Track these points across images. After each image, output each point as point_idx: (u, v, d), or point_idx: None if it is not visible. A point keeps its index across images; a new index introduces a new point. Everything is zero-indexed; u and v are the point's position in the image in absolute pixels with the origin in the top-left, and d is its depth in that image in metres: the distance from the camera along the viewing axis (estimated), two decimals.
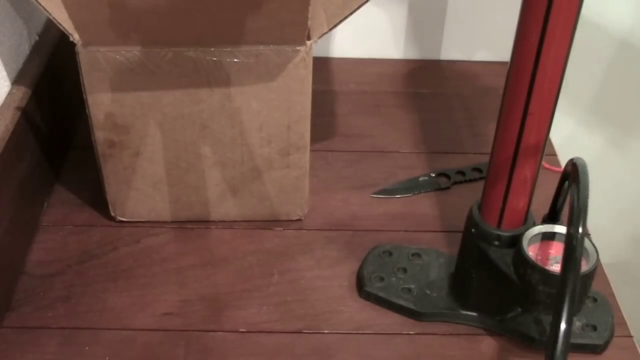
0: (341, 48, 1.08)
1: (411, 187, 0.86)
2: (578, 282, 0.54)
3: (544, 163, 0.65)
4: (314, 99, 0.72)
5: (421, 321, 0.71)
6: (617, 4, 1.03)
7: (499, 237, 0.65)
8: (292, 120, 0.73)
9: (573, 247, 0.54)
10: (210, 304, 0.72)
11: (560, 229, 0.64)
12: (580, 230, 0.53)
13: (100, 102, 0.70)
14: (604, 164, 1.07)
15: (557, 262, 0.62)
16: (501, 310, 0.69)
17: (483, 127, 0.96)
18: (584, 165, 0.57)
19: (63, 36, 0.70)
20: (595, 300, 0.70)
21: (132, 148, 0.73)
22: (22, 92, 0.78)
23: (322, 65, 1.06)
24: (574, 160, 0.58)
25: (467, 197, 0.85)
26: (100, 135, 0.72)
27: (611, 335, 0.68)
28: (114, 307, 0.71)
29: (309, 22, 0.66)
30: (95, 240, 0.78)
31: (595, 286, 0.67)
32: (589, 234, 0.79)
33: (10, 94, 0.77)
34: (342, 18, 0.68)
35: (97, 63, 0.67)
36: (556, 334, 0.51)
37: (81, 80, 0.69)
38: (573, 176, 0.57)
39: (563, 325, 0.52)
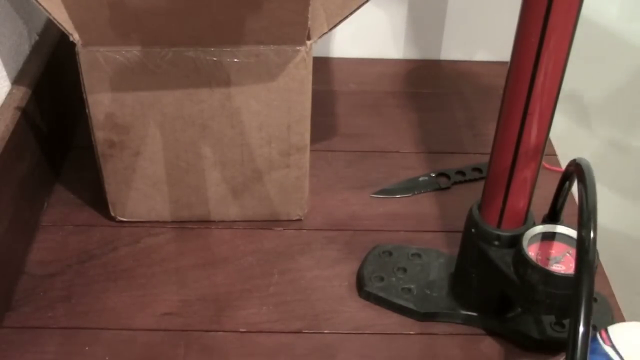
0: (341, 48, 1.08)
1: (411, 187, 0.86)
2: (593, 284, 0.53)
3: (544, 163, 0.65)
4: (314, 99, 0.72)
5: (421, 321, 0.71)
6: (617, 3, 1.03)
7: (499, 237, 0.65)
8: (292, 120, 0.73)
9: (586, 249, 0.53)
10: (210, 304, 0.72)
11: (561, 229, 0.64)
12: (592, 231, 0.53)
13: (100, 102, 0.70)
14: (603, 163, 1.07)
15: (557, 262, 0.62)
16: (501, 310, 0.69)
17: (483, 127, 0.96)
18: (589, 166, 0.57)
19: (63, 36, 0.70)
20: (595, 300, 0.70)
21: (132, 148, 0.73)
22: (22, 92, 0.78)
23: (322, 65, 1.06)
24: (578, 161, 0.58)
25: (467, 197, 0.85)
26: (100, 135, 0.72)
27: None
28: (114, 307, 0.71)
29: (309, 22, 0.66)
30: (95, 240, 0.78)
31: (595, 286, 0.66)
32: None
33: (10, 94, 0.77)
34: (342, 18, 0.68)
35: (97, 63, 0.67)
36: (575, 338, 0.51)
37: (81, 80, 0.69)
38: (579, 177, 0.57)
39: (581, 329, 0.52)
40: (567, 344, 0.51)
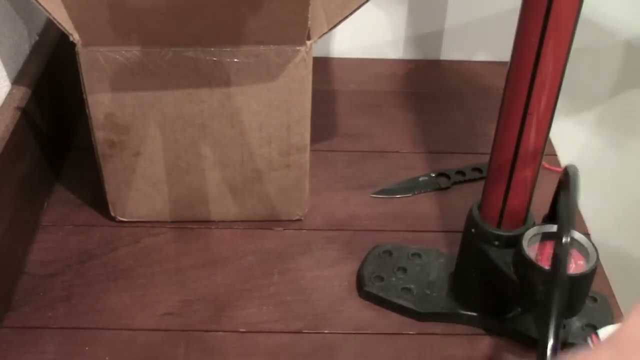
0: (341, 48, 1.08)
1: (411, 187, 0.86)
2: (566, 288, 0.54)
3: (544, 163, 0.65)
4: (314, 99, 0.72)
5: (421, 321, 0.71)
6: (617, 3, 1.03)
7: (499, 237, 0.65)
8: (292, 120, 0.73)
9: (557, 256, 0.55)
10: (210, 304, 0.72)
11: None
12: (564, 239, 0.54)
13: (100, 102, 0.70)
14: (603, 164, 1.07)
15: None
16: (501, 310, 0.69)
17: (483, 127, 0.96)
18: (575, 174, 0.57)
19: (63, 36, 0.70)
20: (595, 300, 0.70)
21: (132, 148, 0.73)
22: (22, 92, 0.78)
23: (322, 65, 1.06)
24: (567, 168, 0.58)
25: (467, 197, 0.85)
26: (100, 135, 0.72)
27: None
28: (114, 307, 0.71)
29: (309, 22, 0.66)
30: (95, 240, 0.78)
31: (595, 286, 0.67)
32: (589, 234, 0.79)
33: (10, 94, 0.77)
34: (342, 18, 0.68)
35: (97, 63, 0.67)
36: (545, 337, 0.52)
37: (81, 80, 0.69)
38: (564, 184, 0.57)
39: (552, 328, 0.52)
40: (538, 344, 0.52)
